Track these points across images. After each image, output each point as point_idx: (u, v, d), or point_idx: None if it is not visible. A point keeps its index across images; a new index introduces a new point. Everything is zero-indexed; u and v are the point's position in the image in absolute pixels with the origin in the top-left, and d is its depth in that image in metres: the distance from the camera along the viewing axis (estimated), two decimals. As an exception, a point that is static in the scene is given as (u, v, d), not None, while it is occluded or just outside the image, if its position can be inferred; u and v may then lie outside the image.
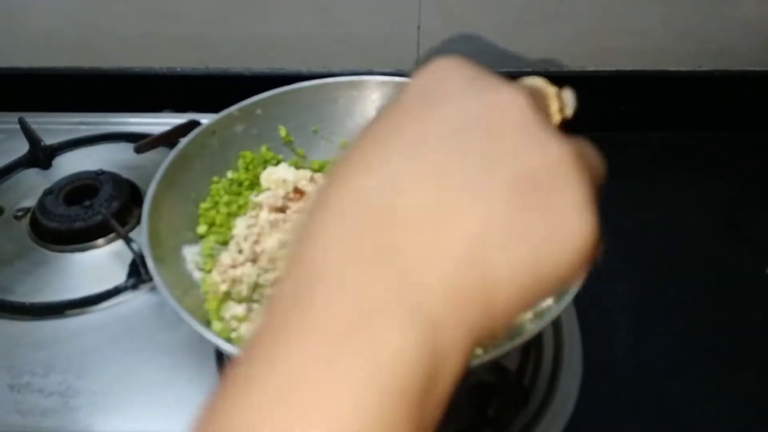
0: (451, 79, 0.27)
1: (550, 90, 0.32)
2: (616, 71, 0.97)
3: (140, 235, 0.71)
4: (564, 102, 0.32)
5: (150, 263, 0.53)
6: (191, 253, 0.62)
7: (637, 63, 0.97)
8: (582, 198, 0.24)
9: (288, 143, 0.73)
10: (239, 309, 0.57)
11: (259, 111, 0.70)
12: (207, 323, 0.56)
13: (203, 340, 0.63)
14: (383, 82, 0.72)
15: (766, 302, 0.78)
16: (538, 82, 0.32)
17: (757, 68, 0.97)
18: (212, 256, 0.62)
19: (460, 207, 0.23)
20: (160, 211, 0.60)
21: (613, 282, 0.80)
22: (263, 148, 0.71)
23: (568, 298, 0.50)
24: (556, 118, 0.32)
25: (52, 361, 0.62)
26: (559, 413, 0.61)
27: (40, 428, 0.57)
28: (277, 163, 0.71)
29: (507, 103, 0.25)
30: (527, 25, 0.92)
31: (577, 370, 0.64)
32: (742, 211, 0.91)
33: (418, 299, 0.22)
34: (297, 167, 0.71)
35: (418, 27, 0.91)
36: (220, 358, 0.63)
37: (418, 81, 0.27)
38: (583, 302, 0.71)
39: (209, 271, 0.61)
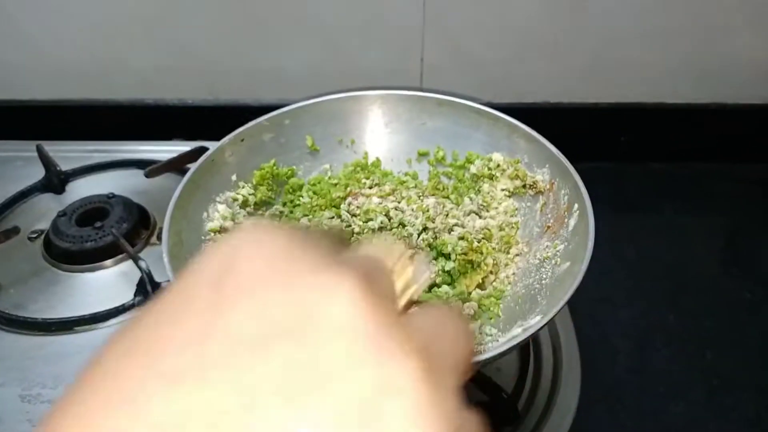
0: (252, 263, 0.19)
1: (398, 254, 0.24)
2: (616, 104, 1.00)
3: (150, 254, 0.74)
4: (414, 274, 0.24)
5: (165, 258, 0.55)
6: None
7: (637, 95, 0.99)
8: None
9: (314, 152, 0.75)
10: None
11: (287, 121, 0.73)
12: None
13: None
14: (407, 96, 0.75)
15: (763, 328, 0.79)
16: (379, 250, 0.23)
17: (754, 101, 0.99)
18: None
19: None
20: (184, 210, 0.62)
21: (614, 308, 0.82)
22: (273, 162, 0.73)
23: (555, 310, 0.50)
24: (402, 300, 0.23)
25: (62, 374, 0.64)
26: (556, 430, 0.61)
27: (48, 438, 0.58)
28: (290, 176, 0.74)
29: (327, 299, 0.18)
30: (528, 58, 0.95)
31: (576, 391, 0.65)
32: (740, 240, 0.92)
33: None
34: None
35: (422, 59, 0.94)
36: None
37: (208, 263, 0.19)
38: (584, 327, 0.72)
39: None
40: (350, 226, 0.67)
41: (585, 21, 0.91)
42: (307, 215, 0.70)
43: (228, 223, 0.66)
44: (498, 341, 0.57)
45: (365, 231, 0.67)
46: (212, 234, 0.65)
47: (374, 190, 0.71)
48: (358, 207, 0.69)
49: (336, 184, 0.73)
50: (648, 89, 0.98)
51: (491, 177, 0.71)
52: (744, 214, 0.96)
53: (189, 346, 0.17)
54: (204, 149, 0.78)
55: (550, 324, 0.70)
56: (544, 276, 0.61)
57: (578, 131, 0.98)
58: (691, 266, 0.87)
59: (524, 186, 0.69)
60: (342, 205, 0.70)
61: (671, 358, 0.76)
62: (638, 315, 0.81)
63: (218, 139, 0.69)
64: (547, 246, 0.63)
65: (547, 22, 0.91)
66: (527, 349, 0.68)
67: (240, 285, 0.18)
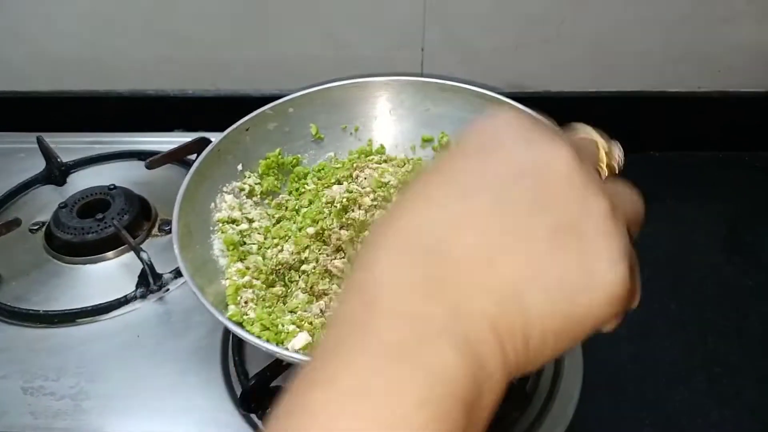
0: (506, 131, 0.29)
1: (600, 141, 0.34)
2: (617, 92, 0.99)
3: (151, 245, 0.74)
4: (612, 155, 0.34)
5: (176, 249, 0.55)
6: (218, 241, 0.64)
7: (638, 84, 0.99)
8: (615, 249, 0.26)
9: (318, 140, 0.75)
10: (250, 293, 0.59)
11: (291, 110, 0.73)
12: (225, 308, 0.58)
13: (209, 348, 0.66)
14: (411, 83, 0.74)
15: (765, 316, 0.79)
16: (589, 132, 0.34)
17: (755, 89, 0.99)
18: (234, 244, 0.64)
19: (506, 249, 0.25)
20: (192, 201, 0.62)
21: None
22: (278, 151, 0.73)
23: None
24: (604, 169, 0.34)
25: (64, 366, 0.64)
26: (558, 419, 0.61)
27: (51, 429, 0.59)
28: (295, 165, 0.74)
29: (554, 156, 0.27)
30: (529, 47, 0.94)
31: (578, 379, 0.65)
32: (742, 228, 0.92)
33: (463, 329, 0.24)
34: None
35: (422, 48, 0.94)
36: (226, 364, 0.64)
37: (476, 131, 0.30)
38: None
39: (235, 260, 0.63)
40: (360, 195, 0.67)
41: (586, 9, 0.90)
42: (312, 201, 0.69)
43: (236, 213, 0.67)
44: None
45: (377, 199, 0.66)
46: (221, 224, 0.65)
47: (382, 166, 0.71)
48: (365, 179, 0.68)
49: (340, 168, 0.73)
50: (649, 77, 0.98)
51: None
52: (746, 203, 0.96)
53: (472, 177, 0.28)
54: (205, 140, 0.78)
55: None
56: None
57: (579, 120, 0.98)
58: (693, 254, 0.87)
59: None
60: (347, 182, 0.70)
61: (673, 346, 0.76)
62: (640, 303, 0.81)
63: (219, 129, 0.69)
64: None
65: (547, 11, 0.90)
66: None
67: (500, 144, 0.28)
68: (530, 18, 0.91)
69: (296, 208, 0.70)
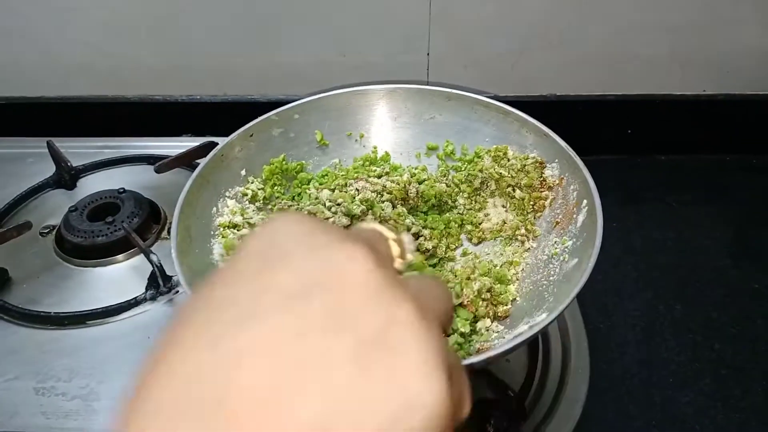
0: (288, 238, 0.25)
1: (387, 234, 0.31)
2: (623, 96, 1.00)
3: (160, 248, 0.75)
4: (403, 247, 0.31)
5: (174, 254, 0.55)
6: (219, 246, 0.64)
7: (643, 87, 0.99)
8: (429, 359, 0.23)
9: (323, 146, 0.75)
10: None
11: (296, 116, 0.73)
12: None
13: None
14: (416, 90, 0.75)
15: (772, 317, 0.79)
16: (376, 227, 0.31)
17: (760, 92, 0.99)
18: (233, 248, 0.64)
19: (301, 381, 0.21)
20: (193, 205, 0.62)
21: (622, 299, 0.82)
22: (282, 157, 0.73)
23: (561, 308, 0.51)
24: (397, 264, 0.30)
25: (75, 367, 0.65)
26: (565, 420, 0.62)
27: (63, 429, 0.59)
28: (299, 171, 0.74)
29: (347, 261, 0.24)
30: (534, 51, 0.95)
31: (584, 382, 0.65)
32: (748, 231, 0.92)
33: None
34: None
35: (428, 54, 0.94)
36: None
37: (253, 242, 0.26)
38: (592, 318, 0.73)
39: None
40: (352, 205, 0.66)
41: (591, 13, 0.91)
42: (312, 203, 0.69)
43: (237, 218, 0.66)
44: (504, 338, 0.57)
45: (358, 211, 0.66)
46: (222, 229, 0.65)
47: (383, 179, 0.70)
48: (357, 190, 0.68)
49: (343, 176, 0.73)
50: (655, 81, 0.98)
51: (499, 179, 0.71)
52: (752, 206, 0.96)
53: (248, 300, 0.23)
54: (213, 144, 0.78)
55: (559, 315, 0.70)
56: (552, 272, 0.61)
57: (585, 124, 0.99)
58: (699, 257, 0.87)
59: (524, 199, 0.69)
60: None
61: (679, 349, 0.76)
62: (646, 306, 0.81)
63: (226, 134, 0.69)
64: (555, 242, 0.63)
65: (552, 15, 0.91)
66: (536, 340, 0.69)
67: (281, 254, 0.24)
68: (535, 23, 0.92)
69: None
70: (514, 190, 0.69)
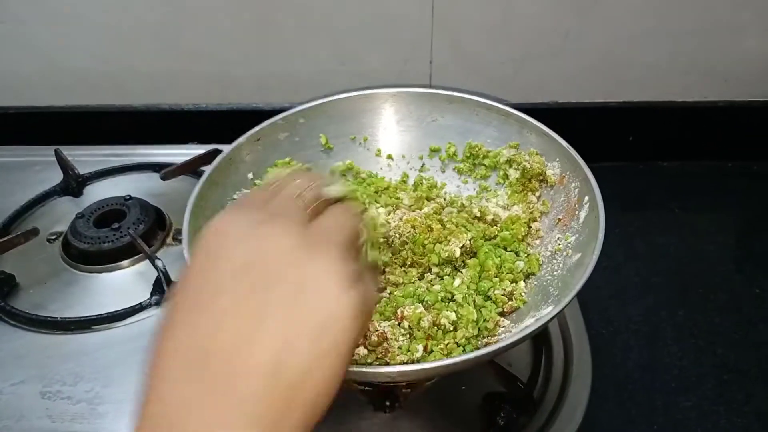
0: (229, 229, 0.34)
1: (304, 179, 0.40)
2: (625, 103, 1.00)
3: (166, 254, 0.75)
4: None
5: (186, 255, 0.56)
6: None
7: (645, 95, 1.00)
8: (335, 282, 0.32)
9: (328, 150, 0.76)
10: None
11: (301, 120, 0.74)
12: None
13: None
14: (418, 94, 0.76)
15: (774, 322, 0.79)
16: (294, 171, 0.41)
17: (761, 99, 1.00)
18: None
19: (257, 330, 0.30)
20: (202, 208, 0.63)
21: (624, 304, 0.82)
22: (288, 160, 0.74)
23: (566, 300, 0.51)
24: (308, 198, 0.39)
25: (81, 372, 0.65)
26: (567, 424, 0.62)
27: (68, 433, 0.60)
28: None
29: (276, 235, 0.33)
30: (536, 59, 0.95)
31: (587, 386, 0.65)
32: (750, 237, 0.93)
33: (245, 411, 0.28)
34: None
35: (430, 61, 0.95)
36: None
37: (202, 243, 0.34)
38: (595, 323, 0.73)
39: None
40: None
41: (592, 20, 0.91)
42: None
43: None
44: (511, 332, 0.58)
45: None
46: None
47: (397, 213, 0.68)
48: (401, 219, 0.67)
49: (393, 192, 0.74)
50: (656, 88, 0.99)
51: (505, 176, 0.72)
52: (754, 212, 0.96)
53: (211, 284, 0.32)
54: (218, 151, 0.79)
55: (561, 320, 0.71)
56: (556, 268, 0.62)
57: (586, 131, 0.99)
58: (701, 263, 0.88)
59: (530, 180, 0.70)
60: None
61: (682, 354, 0.76)
62: (648, 311, 0.81)
63: (231, 142, 0.70)
64: (558, 238, 0.64)
65: (554, 22, 0.92)
66: (539, 344, 0.69)
67: (222, 246, 0.33)
68: (537, 30, 0.92)
69: None
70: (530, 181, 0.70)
